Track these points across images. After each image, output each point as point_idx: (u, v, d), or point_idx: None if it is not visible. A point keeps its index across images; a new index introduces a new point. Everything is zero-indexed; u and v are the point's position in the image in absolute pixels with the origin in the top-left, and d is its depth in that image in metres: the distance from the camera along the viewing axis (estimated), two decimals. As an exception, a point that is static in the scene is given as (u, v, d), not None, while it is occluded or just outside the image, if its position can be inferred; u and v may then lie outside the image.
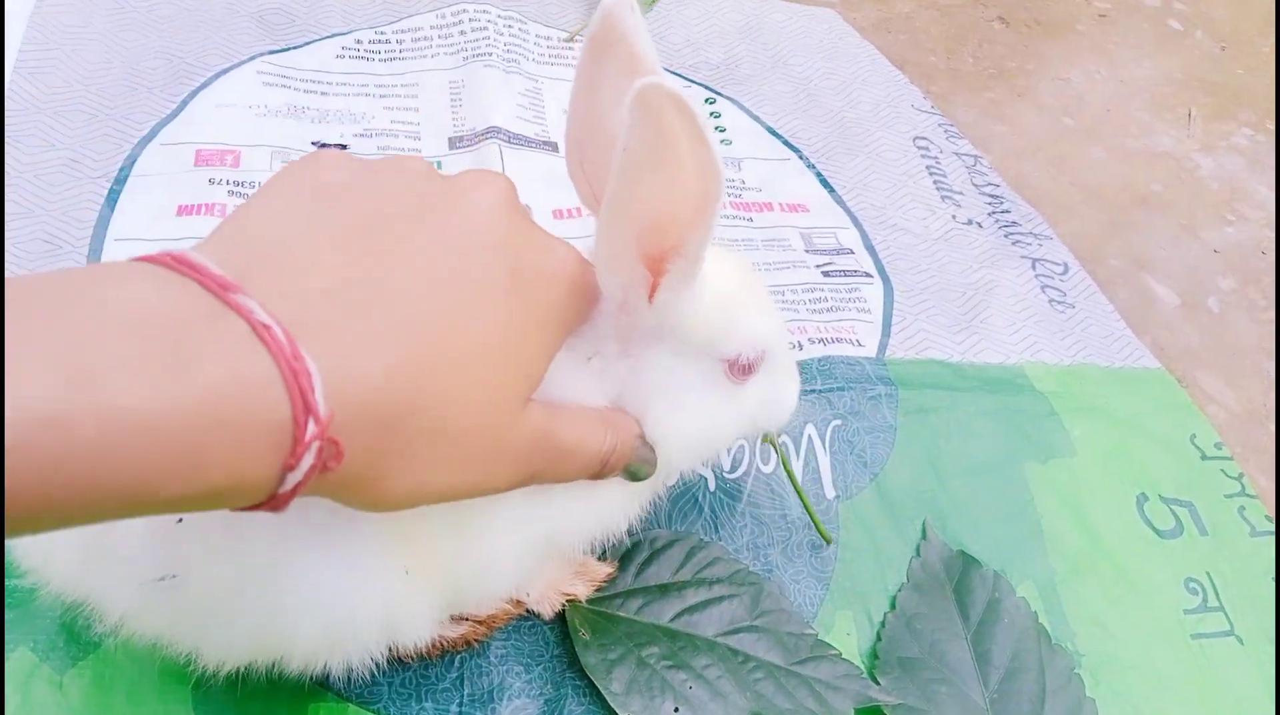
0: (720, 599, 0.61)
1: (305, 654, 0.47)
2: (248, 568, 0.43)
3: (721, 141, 0.95)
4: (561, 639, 0.59)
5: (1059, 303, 0.86)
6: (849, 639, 0.62)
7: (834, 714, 0.57)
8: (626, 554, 0.63)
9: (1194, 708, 0.62)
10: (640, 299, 0.48)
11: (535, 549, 0.51)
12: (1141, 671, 0.63)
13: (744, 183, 0.91)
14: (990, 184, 0.97)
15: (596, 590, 0.61)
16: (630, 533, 0.63)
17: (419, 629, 0.50)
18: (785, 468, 0.66)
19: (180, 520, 0.42)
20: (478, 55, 0.96)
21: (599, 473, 0.48)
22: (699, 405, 0.52)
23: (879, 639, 0.62)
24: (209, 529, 0.42)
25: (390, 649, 0.51)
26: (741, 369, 0.53)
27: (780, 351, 0.56)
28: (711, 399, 0.53)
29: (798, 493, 0.66)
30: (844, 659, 0.59)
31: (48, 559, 0.47)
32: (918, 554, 0.66)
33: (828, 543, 0.66)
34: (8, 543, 0.49)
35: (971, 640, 0.61)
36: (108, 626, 0.48)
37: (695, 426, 0.52)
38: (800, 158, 0.95)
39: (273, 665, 0.50)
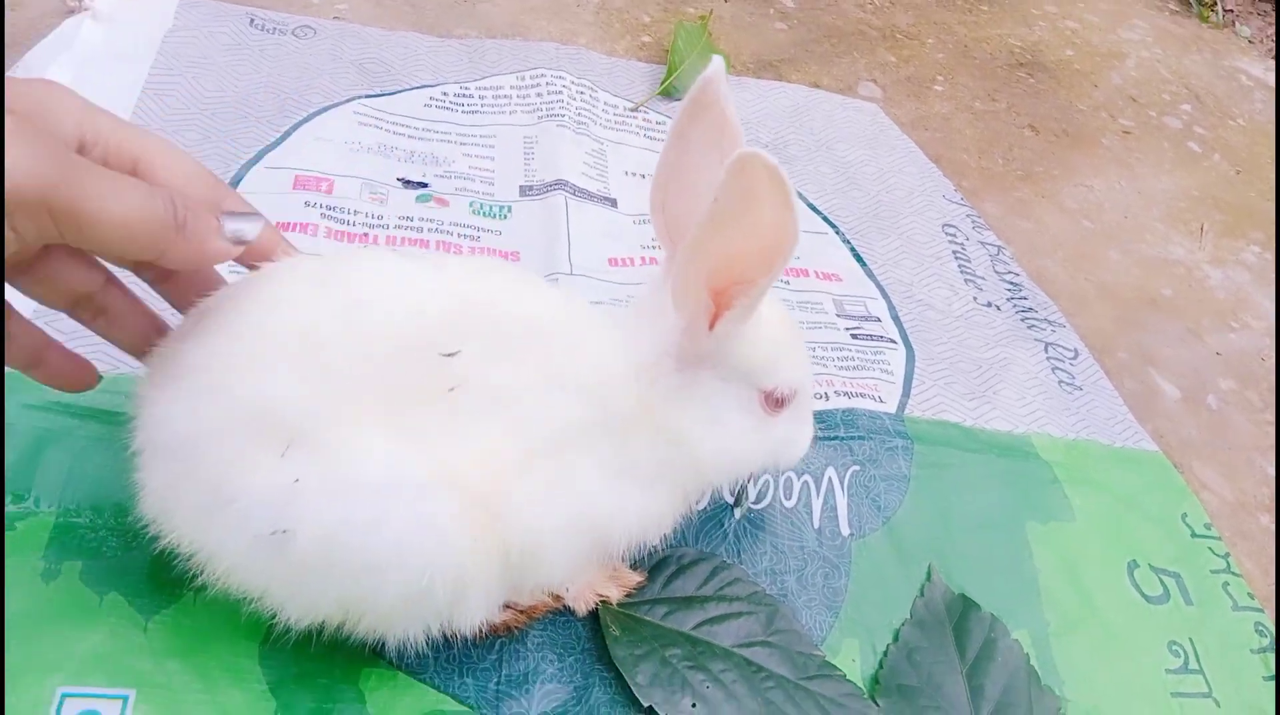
0: (739, 614, 0.67)
1: (380, 613, 0.53)
2: (350, 526, 0.49)
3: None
4: (592, 634, 0.65)
5: (1067, 384, 0.92)
6: (853, 664, 0.67)
7: None
8: (656, 566, 0.69)
9: (1170, 760, 0.67)
10: (702, 326, 0.56)
11: (583, 543, 0.58)
12: (1123, 727, 0.68)
13: (784, 250, 0.99)
14: (1011, 272, 1.04)
15: (627, 596, 0.67)
16: (660, 548, 0.70)
17: (477, 606, 0.56)
18: None
19: (297, 480, 0.49)
20: (551, 115, 1.05)
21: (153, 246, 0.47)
22: (736, 426, 0.60)
23: (881, 666, 0.67)
24: (322, 488, 0.49)
25: (445, 627, 0.58)
26: (775, 402, 0.60)
27: (806, 397, 0.64)
28: (746, 424, 0.60)
29: None
30: (848, 680, 0.65)
31: (168, 511, 0.54)
32: (922, 594, 0.71)
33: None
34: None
35: (966, 675, 0.67)
36: (213, 577, 0.54)
37: (730, 445, 0.60)
38: (837, 232, 1.03)
39: (343, 626, 0.56)
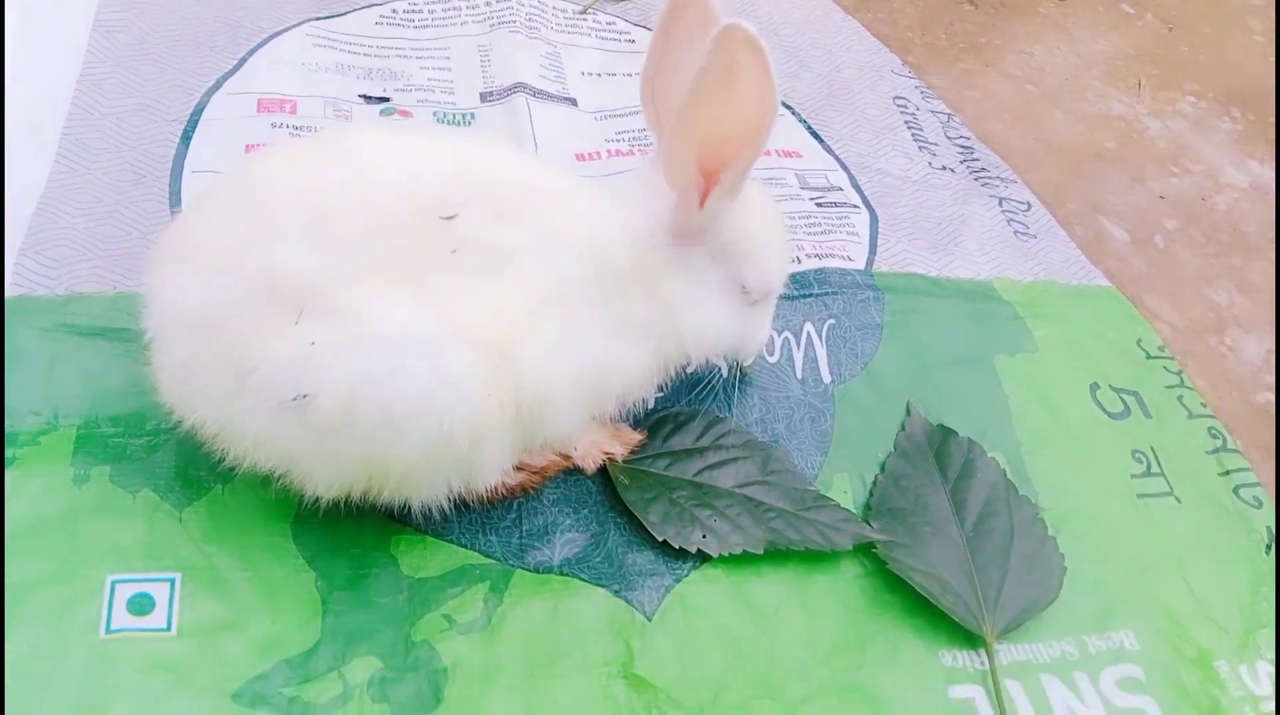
0: (735, 459, 0.72)
1: (404, 469, 0.57)
2: (368, 380, 0.53)
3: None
4: (603, 489, 0.69)
5: (1023, 233, 0.97)
6: (845, 496, 0.72)
7: (835, 547, 0.67)
8: (654, 426, 0.73)
9: (1140, 550, 0.73)
10: (693, 200, 0.60)
11: (586, 394, 0.62)
12: (1096, 523, 0.74)
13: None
14: (962, 137, 1.08)
15: (631, 453, 0.71)
16: (655, 408, 0.74)
17: (493, 458, 0.60)
18: None
19: (313, 343, 0.52)
20: (502, 23, 1.07)
21: None
22: (718, 306, 0.64)
23: (871, 494, 0.72)
24: (339, 348, 0.52)
25: (465, 482, 0.61)
26: (751, 298, 0.65)
27: (774, 298, 0.69)
28: (727, 306, 0.65)
29: None
30: (843, 507, 0.70)
31: (189, 392, 0.56)
32: (903, 428, 0.76)
33: None
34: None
35: (950, 492, 0.72)
36: (239, 455, 0.58)
37: (711, 322, 0.65)
38: (793, 114, 1.06)
39: (370, 492, 0.59)
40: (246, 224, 0.53)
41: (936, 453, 0.75)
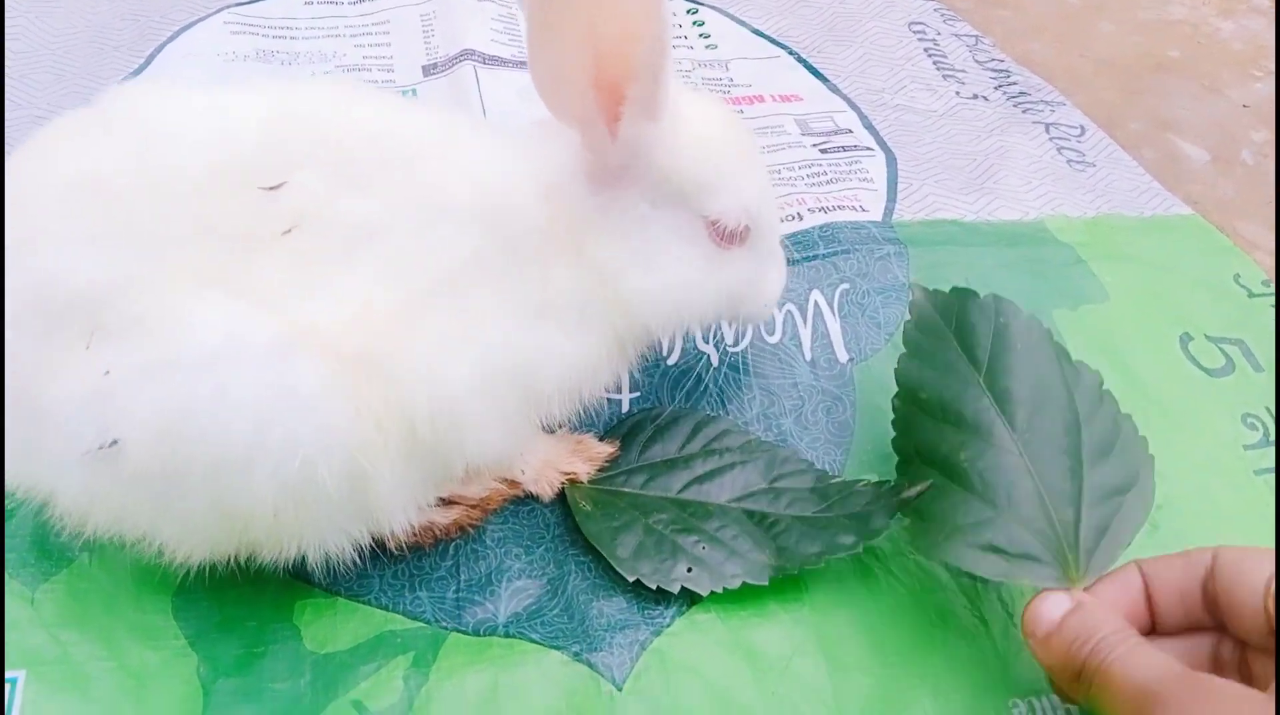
0: (732, 466, 0.57)
1: (273, 521, 0.43)
2: (185, 414, 0.39)
3: (707, 46, 0.92)
4: (562, 519, 0.55)
5: (1077, 163, 0.80)
6: (876, 500, 0.57)
7: (872, 534, 0.52)
8: (628, 433, 0.58)
9: (1260, 539, 0.56)
10: (599, 131, 0.45)
11: (508, 398, 0.47)
12: (1201, 509, 0.58)
13: (732, 80, 0.87)
14: (994, 60, 0.92)
15: (599, 471, 0.57)
16: (630, 412, 0.59)
17: (393, 497, 0.46)
18: None
19: (107, 372, 0.39)
20: (448, -13, 0.93)
21: None
22: (674, 257, 0.48)
23: (894, 433, 0.55)
24: (142, 375, 0.39)
25: (370, 530, 0.48)
26: (725, 235, 0.49)
27: (768, 229, 0.52)
28: (689, 257, 0.49)
29: None
30: (872, 483, 0.54)
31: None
32: (909, 313, 0.57)
33: None
34: None
35: (985, 382, 0.53)
36: (68, 523, 0.45)
37: (665, 280, 0.48)
38: (790, 53, 0.91)
39: (251, 552, 0.46)
40: (14, 220, 0.40)
41: (956, 328, 0.55)
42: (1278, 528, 0.56)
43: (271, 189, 0.40)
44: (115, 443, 0.39)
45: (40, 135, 0.43)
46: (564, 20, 0.41)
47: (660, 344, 0.58)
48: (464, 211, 0.45)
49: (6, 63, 0.82)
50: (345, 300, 0.42)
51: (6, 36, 0.84)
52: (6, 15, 0.86)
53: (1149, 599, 0.45)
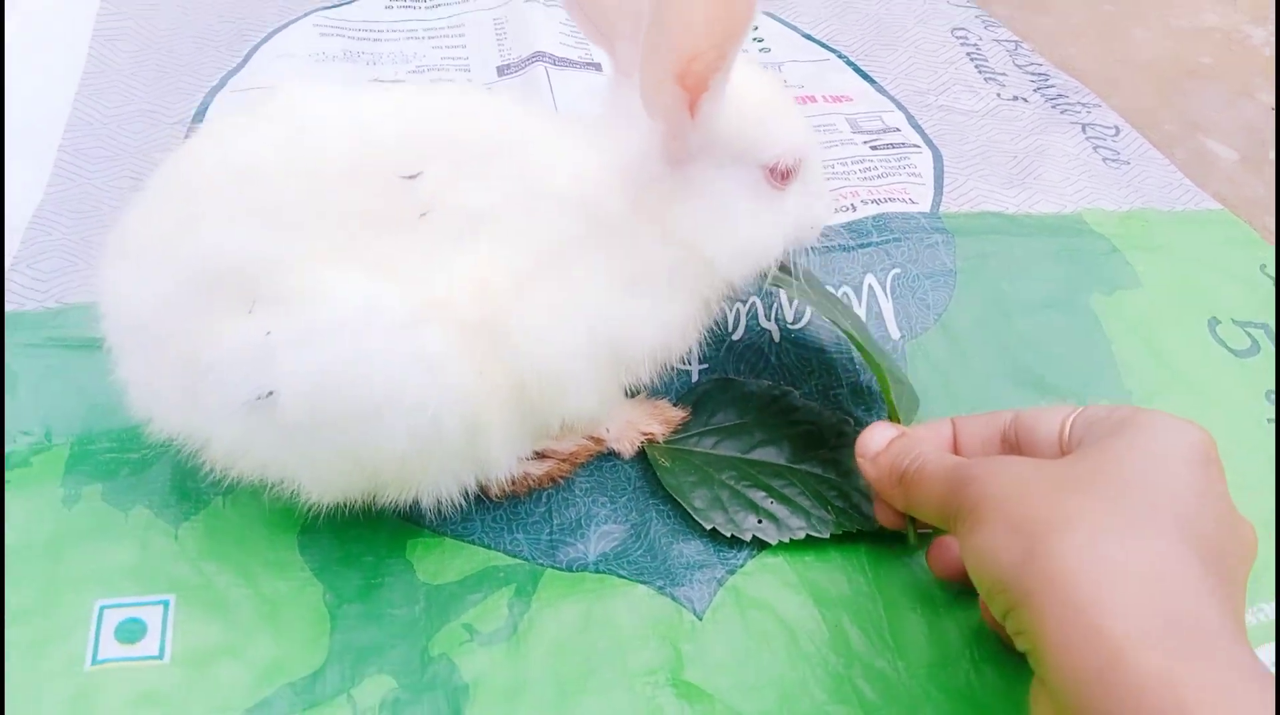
0: (794, 432, 0.63)
1: (399, 467, 0.49)
2: (331, 372, 0.45)
3: (760, 49, 0.97)
4: (642, 474, 0.61)
5: (1112, 160, 0.85)
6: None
7: None
8: (698, 401, 0.64)
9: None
10: (684, 117, 0.51)
11: (603, 362, 0.53)
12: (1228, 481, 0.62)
13: (785, 82, 0.93)
14: (1034, 64, 0.97)
15: (672, 432, 0.62)
16: (699, 382, 0.65)
17: (503, 448, 0.52)
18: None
19: (269, 333, 0.45)
20: (519, -6, 1.00)
21: None
22: (744, 211, 0.54)
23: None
24: (296, 337, 0.45)
25: (478, 476, 0.54)
26: (781, 175, 0.55)
27: (813, 162, 0.58)
28: (755, 205, 0.55)
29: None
30: None
31: (154, 401, 0.50)
32: None
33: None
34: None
35: None
36: (218, 466, 0.51)
37: (743, 233, 0.55)
38: (839, 56, 0.96)
39: (374, 495, 0.52)
40: (175, 207, 0.46)
41: None
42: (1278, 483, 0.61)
43: (410, 178, 0.47)
44: (271, 394, 0.46)
45: (212, 125, 0.49)
46: (675, 26, 0.46)
47: (726, 317, 0.63)
48: (563, 197, 0.51)
49: (118, 62, 0.89)
50: (467, 276, 0.48)
51: (115, 39, 0.91)
52: (116, 18, 0.93)
53: (955, 443, 0.55)
